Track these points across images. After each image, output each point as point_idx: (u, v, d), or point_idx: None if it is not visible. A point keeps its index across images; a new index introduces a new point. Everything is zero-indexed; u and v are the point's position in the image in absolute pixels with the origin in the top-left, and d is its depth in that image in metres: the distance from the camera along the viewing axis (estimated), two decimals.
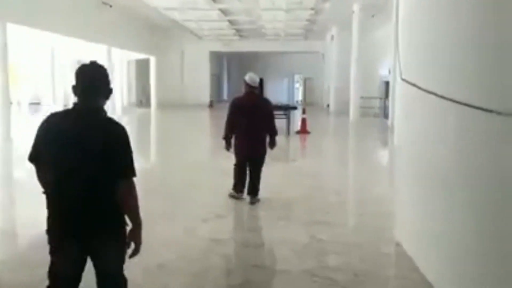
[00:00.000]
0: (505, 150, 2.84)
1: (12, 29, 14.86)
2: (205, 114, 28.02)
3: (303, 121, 16.15)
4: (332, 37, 29.03)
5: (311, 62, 39.41)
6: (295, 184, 8.14)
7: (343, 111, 26.08)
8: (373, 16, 18.97)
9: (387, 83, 27.18)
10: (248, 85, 6.47)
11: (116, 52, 25.86)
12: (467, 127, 3.36)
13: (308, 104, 36.92)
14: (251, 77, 6.49)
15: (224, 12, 24.10)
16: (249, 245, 5.08)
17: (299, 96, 45.06)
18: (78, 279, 2.69)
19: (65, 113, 2.68)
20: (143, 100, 34.03)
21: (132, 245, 2.71)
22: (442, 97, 3.74)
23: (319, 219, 6.02)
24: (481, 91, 3.18)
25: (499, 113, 2.83)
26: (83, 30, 19.19)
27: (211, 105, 34.37)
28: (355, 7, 20.71)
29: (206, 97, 35.15)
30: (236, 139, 6.55)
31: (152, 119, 25.01)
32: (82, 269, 2.70)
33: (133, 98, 34.23)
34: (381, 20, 22.34)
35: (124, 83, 32.13)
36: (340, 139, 16.40)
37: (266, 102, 6.83)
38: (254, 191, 6.63)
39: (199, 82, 35.22)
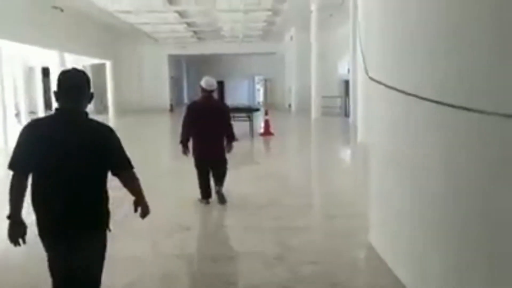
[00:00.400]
0: (474, 147, 2.74)
1: None
2: (166, 119, 27.46)
3: (266, 122, 15.97)
4: (291, 38, 29.05)
5: (271, 63, 39.39)
6: (262, 189, 7.89)
7: (304, 110, 26.14)
8: (331, 15, 19.04)
9: (346, 82, 27.45)
10: (204, 89, 6.47)
11: (70, 57, 24.98)
12: (435, 124, 3.24)
13: (269, 105, 36.86)
14: (207, 81, 6.49)
15: (180, 14, 23.66)
16: (218, 260, 4.79)
17: (260, 97, 44.98)
18: (75, 274, 2.71)
19: (50, 118, 2.76)
20: (100, 107, 33.04)
21: (139, 210, 2.97)
22: (408, 93, 3.64)
23: (289, 225, 5.80)
24: (447, 87, 3.06)
25: (466, 109, 2.73)
26: (33, 36, 18.35)
27: (171, 109, 33.79)
28: (313, 7, 20.72)
29: (166, 101, 34.53)
30: (193, 143, 6.51)
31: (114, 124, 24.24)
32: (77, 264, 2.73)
33: (91, 107, 33.17)
34: (339, 19, 22.49)
35: None
36: (304, 139, 16.34)
37: (223, 106, 6.86)
38: (219, 183, 6.63)
39: (158, 86, 34.58)
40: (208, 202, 6.62)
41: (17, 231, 2.66)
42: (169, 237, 5.46)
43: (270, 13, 22.61)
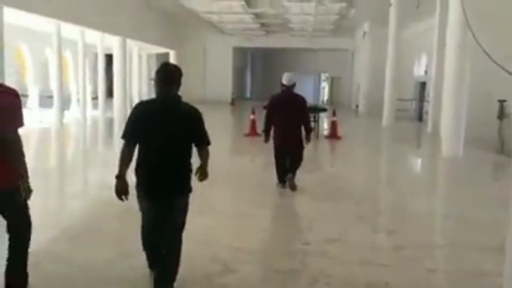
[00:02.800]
0: None
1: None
2: (226, 113, 26.43)
3: (333, 124, 14.33)
4: (364, 34, 27.06)
5: (339, 60, 37.51)
6: (339, 213, 6.35)
7: (373, 113, 24.24)
8: (417, 7, 17.01)
9: (422, 84, 25.20)
10: (284, 85, 6.98)
11: (133, 45, 24.48)
12: None
13: (334, 104, 35.09)
14: (286, 77, 7.03)
15: (248, 3, 22.43)
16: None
17: (325, 95, 43.11)
18: (164, 230, 3.40)
19: (152, 101, 3.43)
20: None
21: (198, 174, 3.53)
22: None
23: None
24: None
25: None
26: (94, 20, 17.75)
27: (232, 102, 32.82)
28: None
29: (228, 94, 33.59)
30: (274, 133, 7.03)
31: None
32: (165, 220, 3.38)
33: (153, 94, 32.82)
34: (417, 15, 20.38)
35: (143, 78, 30.76)
36: (375, 147, 14.26)
37: (302, 99, 7.10)
38: (292, 175, 7.03)
39: (221, 78, 33.72)
40: (284, 187, 7.10)
41: (122, 188, 3.33)
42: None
43: (344, 4, 20.83)
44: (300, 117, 6.92)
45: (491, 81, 13.75)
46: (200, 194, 3.95)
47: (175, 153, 3.35)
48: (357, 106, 29.29)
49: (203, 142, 3.50)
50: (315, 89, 43.29)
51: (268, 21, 28.19)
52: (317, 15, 23.86)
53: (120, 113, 20.70)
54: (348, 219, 5.76)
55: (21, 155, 3.19)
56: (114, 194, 3.36)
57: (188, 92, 27.67)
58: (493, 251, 4.53)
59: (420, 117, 24.44)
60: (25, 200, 3.28)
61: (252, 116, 14.33)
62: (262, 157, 10.78)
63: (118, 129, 17.30)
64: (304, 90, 39.06)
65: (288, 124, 6.88)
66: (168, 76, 3.37)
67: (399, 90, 20.66)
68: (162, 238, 3.38)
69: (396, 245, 4.90)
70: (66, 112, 18.46)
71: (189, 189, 3.47)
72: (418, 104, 24.87)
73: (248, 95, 43.08)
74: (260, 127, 14.27)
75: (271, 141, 7.04)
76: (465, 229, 5.55)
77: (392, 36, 19.41)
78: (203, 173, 3.54)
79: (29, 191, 3.26)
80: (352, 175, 9.10)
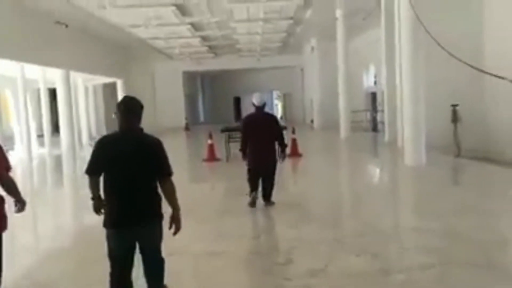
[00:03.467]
0: None
1: None
2: (182, 139, 25.77)
3: (294, 142, 14.04)
4: (312, 49, 27.28)
5: (290, 77, 37.78)
6: (317, 239, 5.93)
7: (328, 126, 24.32)
8: (364, 19, 17.22)
9: (373, 95, 25.55)
10: (255, 105, 7.31)
11: (77, 76, 23.53)
12: None
13: (288, 120, 35.11)
14: (256, 98, 7.34)
15: (195, 27, 22.12)
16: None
17: (278, 113, 43.19)
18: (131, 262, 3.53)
19: (115, 135, 3.57)
20: (115, 129, 31.59)
21: (173, 226, 3.58)
22: None
23: None
24: None
25: None
26: (34, 54, 16.87)
27: (187, 128, 32.17)
28: (338, 13, 18.91)
29: (180, 120, 32.93)
30: (249, 150, 7.28)
31: None
32: (133, 252, 3.53)
33: (103, 126, 31.69)
34: (364, 26, 20.71)
35: (91, 110, 29.65)
36: (341, 162, 14.01)
37: (274, 118, 7.55)
38: (267, 196, 7.41)
39: (172, 104, 33.08)
40: (255, 196, 7.28)
41: (99, 205, 3.59)
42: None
43: (291, 21, 20.89)
44: (273, 135, 7.22)
45: (442, 86, 14.03)
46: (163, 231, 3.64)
47: (140, 183, 3.46)
48: (312, 121, 29.36)
49: (164, 172, 3.55)
50: (268, 107, 43.15)
51: (216, 43, 28.00)
52: (265, 34, 23.86)
53: (68, 149, 19.68)
54: (327, 245, 5.36)
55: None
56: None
57: None
58: (486, 268, 4.25)
59: (374, 127, 24.73)
60: None
61: (209, 141, 13.85)
62: (224, 183, 10.35)
63: (67, 166, 16.39)
64: None
65: (261, 143, 7.18)
66: (129, 109, 3.53)
67: (352, 102, 20.78)
68: (130, 265, 3.53)
69: (384, 269, 4.53)
70: (10, 152, 17.31)
71: (158, 216, 3.55)
72: (371, 115, 25.19)
73: (201, 119, 42.56)
74: (218, 151, 13.94)
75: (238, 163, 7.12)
76: (451, 244, 5.27)
77: (341, 49, 19.56)
78: (176, 223, 3.56)
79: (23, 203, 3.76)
80: (322, 194, 8.75)
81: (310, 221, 6.49)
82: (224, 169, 12.40)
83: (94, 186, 3.55)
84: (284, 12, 19.20)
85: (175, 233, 3.57)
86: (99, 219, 3.59)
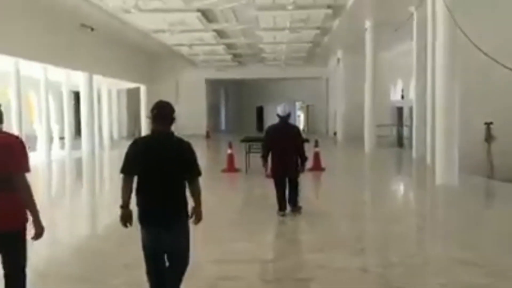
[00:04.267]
0: None
1: None
2: (202, 147, 25.43)
3: (316, 155, 13.49)
4: (338, 61, 26.76)
5: (314, 88, 37.21)
6: (340, 268, 5.40)
7: (352, 139, 23.70)
8: (396, 30, 16.60)
9: (399, 109, 24.84)
10: (279, 116, 7.52)
11: (102, 80, 23.46)
12: None
13: (311, 132, 34.52)
14: (281, 108, 7.52)
15: (220, 34, 21.83)
16: None
17: (301, 124, 42.60)
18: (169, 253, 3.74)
19: (148, 137, 3.82)
20: (135, 133, 31.50)
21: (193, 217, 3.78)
22: None
23: None
24: None
25: None
26: (58, 56, 16.76)
27: (208, 135, 31.87)
28: (368, 24, 18.35)
29: (202, 128, 32.65)
30: (272, 162, 7.47)
31: None
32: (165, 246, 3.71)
33: (124, 131, 31.65)
34: (391, 39, 20.10)
35: (113, 114, 29.61)
36: (366, 179, 13.16)
37: (296, 129, 7.77)
38: (293, 202, 7.57)
39: (194, 111, 32.81)
40: (284, 215, 7.44)
41: (126, 216, 3.67)
42: None
43: (318, 31, 20.40)
44: (295, 146, 7.36)
45: (475, 101, 13.36)
46: None
47: (170, 183, 3.65)
48: (335, 134, 28.76)
49: (194, 173, 3.74)
50: (291, 118, 42.68)
51: (240, 52, 27.69)
52: (291, 44, 23.43)
53: (88, 152, 19.52)
54: (352, 276, 4.82)
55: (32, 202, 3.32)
56: None
57: None
58: None
59: (400, 142, 23.99)
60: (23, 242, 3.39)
61: (229, 151, 13.39)
62: (241, 195, 9.84)
63: (86, 170, 16.15)
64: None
65: (284, 153, 7.34)
66: (162, 113, 3.70)
67: (377, 116, 20.11)
68: (163, 263, 3.71)
69: None
70: (31, 153, 17.18)
71: (186, 215, 3.73)
72: (397, 130, 24.48)
73: (223, 127, 42.27)
74: (238, 162, 13.47)
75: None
76: (497, 282, 4.65)
77: (369, 61, 18.95)
78: (197, 216, 3.76)
79: (41, 229, 3.37)
80: (347, 214, 8.17)
81: (334, 245, 5.94)
82: (243, 181, 11.93)
83: (126, 190, 3.65)
84: (311, 21, 18.72)
85: (196, 222, 3.78)
86: None
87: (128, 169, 3.66)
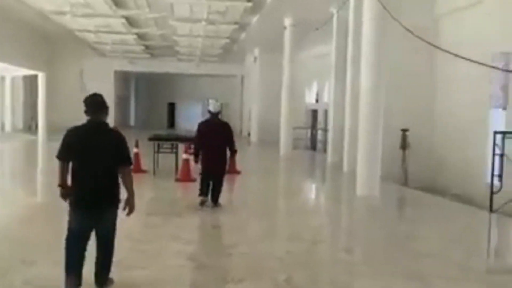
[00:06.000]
0: None
1: None
2: None
3: (233, 157, 12.50)
4: (255, 59, 26.11)
5: (228, 86, 36.36)
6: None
7: (266, 140, 23.14)
8: (317, 29, 16.09)
9: (314, 112, 24.71)
10: (210, 112, 7.92)
11: None
12: None
13: None
14: (212, 105, 7.95)
15: (130, 22, 20.14)
16: None
17: None
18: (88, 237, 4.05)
19: (82, 126, 4.07)
20: (32, 125, 28.54)
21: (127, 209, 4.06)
22: None
23: None
24: None
25: None
26: None
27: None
28: (287, 22, 17.74)
29: (109, 122, 30.31)
30: (201, 156, 7.79)
31: (37, 150, 20.04)
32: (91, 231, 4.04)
33: (20, 122, 28.45)
34: (310, 40, 19.77)
35: (6, 103, 26.52)
36: (282, 181, 12.64)
37: (227, 126, 8.05)
38: (215, 199, 7.89)
39: None
40: (205, 200, 7.82)
41: (65, 192, 4.00)
42: None
43: (236, 26, 19.49)
44: (225, 142, 7.76)
45: (392, 109, 13.16)
46: None
47: (102, 171, 3.97)
48: (249, 134, 28.11)
49: (125, 160, 4.07)
50: (204, 116, 41.48)
51: (153, 43, 26.03)
52: (206, 38, 22.30)
53: None
54: None
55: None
56: None
57: (59, 119, 23.72)
58: None
59: (313, 146, 23.85)
60: None
61: (135, 149, 12.01)
62: (145, 201, 8.56)
63: None
64: (192, 116, 36.96)
65: (214, 148, 7.66)
66: (95, 104, 4.06)
67: (292, 118, 19.61)
68: (84, 248, 3.97)
69: None
70: None
71: (116, 202, 4.02)
72: (311, 133, 24.33)
73: (132, 123, 40.03)
74: (145, 163, 12.15)
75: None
76: None
77: (287, 61, 18.37)
78: (130, 207, 4.04)
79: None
80: (255, 230, 7.24)
81: (258, 271, 4.96)
82: (149, 184, 10.66)
83: (63, 172, 3.99)
84: (230, 15, 17.77)
85: (128, 214, 4.05)
86: None
87: (62, 155, 3.99)
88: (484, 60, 11.42)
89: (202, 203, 7.75)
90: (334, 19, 15.46)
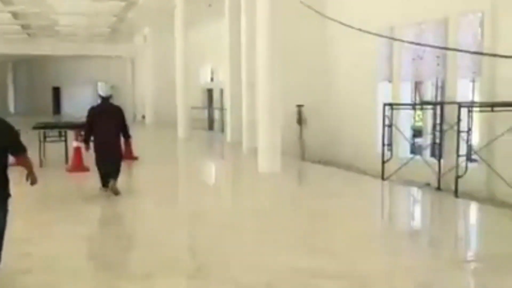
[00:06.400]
0: None
1: None
2: None
3: (127, 142, 11.82)
4: (145, 38, 25.07)
5: (118, 68, 34.57)
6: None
7: (163, 123, 22.50)
8: (210, 5, 15.61)
9: (210, 91, 24.39)
10: (101, 96, 7.81)
11: None
12: None
13: None
14: (102, 89, 7.83)
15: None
16: None
17: None
18: None
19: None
20: None
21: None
22: None
23: None
24: None
25: None
26: None
27: None
28: (178, 0, 17.11)
29: None
30: (94, 142, 7.68)
31: None
32: None
33: None
34: (202, 18, 19.33)
35: None
36: (185, 165, 12.20)
37: (119, 110, 7.85)
38: (113, 186, 7.50)
39: None
40: (107, 190, 7.57)
41: None
42: None
43: (123, 3, 18.40)
44: (118, 126, 7.62)
45: (289, 86, 13.33)
46: None
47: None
48: (143, 117, 27.16)
49: (18, 149, 3.89)
50: (94, 100, 39.25)
51: (30, 22, 23.74)
52: (91, 16, 20.85)
53: None
54: None
55: None
56: None
57: None
58: None
59: (211, 125, 23.63)
60: None
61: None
62: (32, 197, 7.73)
63: None
64: (81, 101, 34.60)
65: (107, 134, 7.48)
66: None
67: (189, 98, 19.18)
68: None
69: None
70: None
71: (6, 194, 3.79)
72: (208, 113, 24.06)
73: (11, 109, 36.67)
74: (30, 153, 10.95)
75: None
76: None
77: (180, 40, 17.81)
78: (32, 178, 4.00)
79: None
80: (160, 212, 6.92)
81: (162, 267, 4.65)
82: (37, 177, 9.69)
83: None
84: None
85: (33, 183, 4.01)
86: None
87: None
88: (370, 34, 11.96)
89: (106, 191, 7.61)
90: None
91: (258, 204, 7.43)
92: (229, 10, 15.17)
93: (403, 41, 9.40)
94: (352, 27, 8.79)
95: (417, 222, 7.08)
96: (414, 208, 8.05)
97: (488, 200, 8.64)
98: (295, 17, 11.16)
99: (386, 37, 9.58)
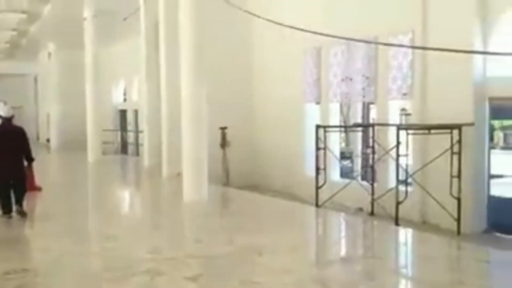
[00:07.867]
0: None
1: None
2: None
3: (30, 169, 10.20)
4: (49, 55, 23.16)
5: (18, 87, 31.77)
6: None
7: (70, 147, 20.60)
8: (125, 19, 14.36)
9: (123, 112, 22.89)
10: (1, 117, 7.48)
11: None
12: None
13: None
14: (4, 109, 7.56)
15: None
16: None
17: None
18: None
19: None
20: None
21: None
22: None
23: None
24: None
25: None
26: None
27: None
28: (87, 13, 15.73)
29: None
30: None
31: None
32: None
33: None
34: (114, 33, 18.04)
35: None
36: (99, 194, 10.85)
37: (22, 131, 7.67)
38: (20, 202, 7.50)
39: None
40: (10, 217, 7.41)
41: None
42: None
43: (24, 16, 16.66)
44: (21, 148, 7.43)
45: (212, 108, 12.55)
46: None
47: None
48: (48, 140, 24.96)
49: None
50: None
51: None
52: None
53: None
54: None
55: None
56: None
57: None
58: None
59: (124, 149, 22.15)
60: None
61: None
62: None
63: None
64: None
65: (10, 154, 7.26)
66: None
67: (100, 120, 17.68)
68: None
69: None
70: None
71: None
72: (121, 135, 22.61)
73: None
74: None
75: None
76: None
77: (90, 56, 16.42)
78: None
79: None
80: (86, 261, 5.74)
81: None
82: None
83: None
84: (15, 3, 15.04)
85: None
86: None
87: None
88: (297, 55, 11.59)
89: (10, 216, 7.38)
90: (142, 11, 14.16)
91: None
92: (145, 26, 14.17)
93: (377, 43, 8.77)
94: (280, 24, 8.30)
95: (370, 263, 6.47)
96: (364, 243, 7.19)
97: (421, 223, 8.47)
98: (220, 35, 10.49)
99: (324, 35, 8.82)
